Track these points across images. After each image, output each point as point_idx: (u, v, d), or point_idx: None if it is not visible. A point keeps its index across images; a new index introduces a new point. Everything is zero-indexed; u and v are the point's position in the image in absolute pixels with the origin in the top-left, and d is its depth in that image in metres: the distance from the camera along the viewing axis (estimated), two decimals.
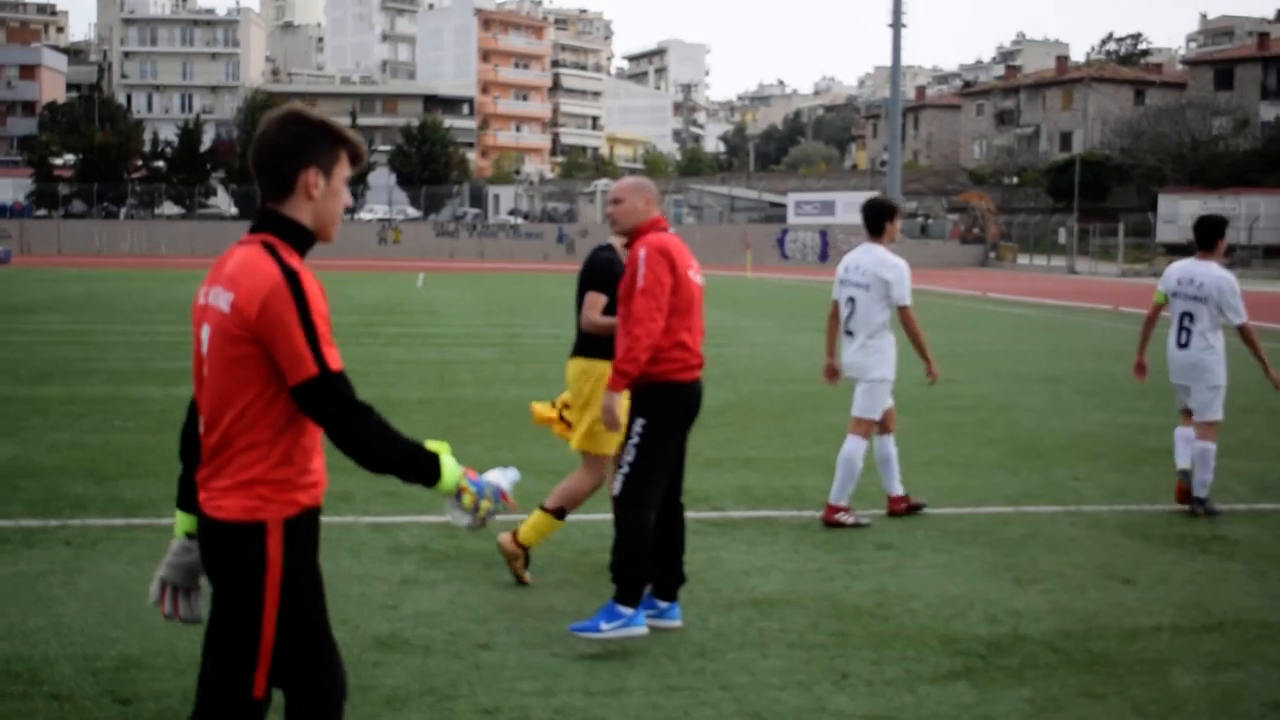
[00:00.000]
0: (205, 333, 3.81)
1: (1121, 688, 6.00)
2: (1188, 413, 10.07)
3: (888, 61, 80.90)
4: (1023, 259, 78.66)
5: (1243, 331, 9.85)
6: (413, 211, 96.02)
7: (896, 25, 76.97)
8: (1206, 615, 7.15)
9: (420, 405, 15.05)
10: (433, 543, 8.45)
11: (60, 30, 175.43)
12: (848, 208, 74.37)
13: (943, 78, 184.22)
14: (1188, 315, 10.03)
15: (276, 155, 3.82)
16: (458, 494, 3.96)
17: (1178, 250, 73.61)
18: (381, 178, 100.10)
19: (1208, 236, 10.19)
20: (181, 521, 4.10)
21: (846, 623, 6.91)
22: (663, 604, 6.92)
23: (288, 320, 3.62)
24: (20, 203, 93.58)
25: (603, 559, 8.05)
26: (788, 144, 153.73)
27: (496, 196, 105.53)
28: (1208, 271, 10.03)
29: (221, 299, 3.72)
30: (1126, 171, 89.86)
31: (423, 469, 3.95)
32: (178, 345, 22.11)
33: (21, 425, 13.14)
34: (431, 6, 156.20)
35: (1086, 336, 27.96)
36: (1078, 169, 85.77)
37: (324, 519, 8.80)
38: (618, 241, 7.35)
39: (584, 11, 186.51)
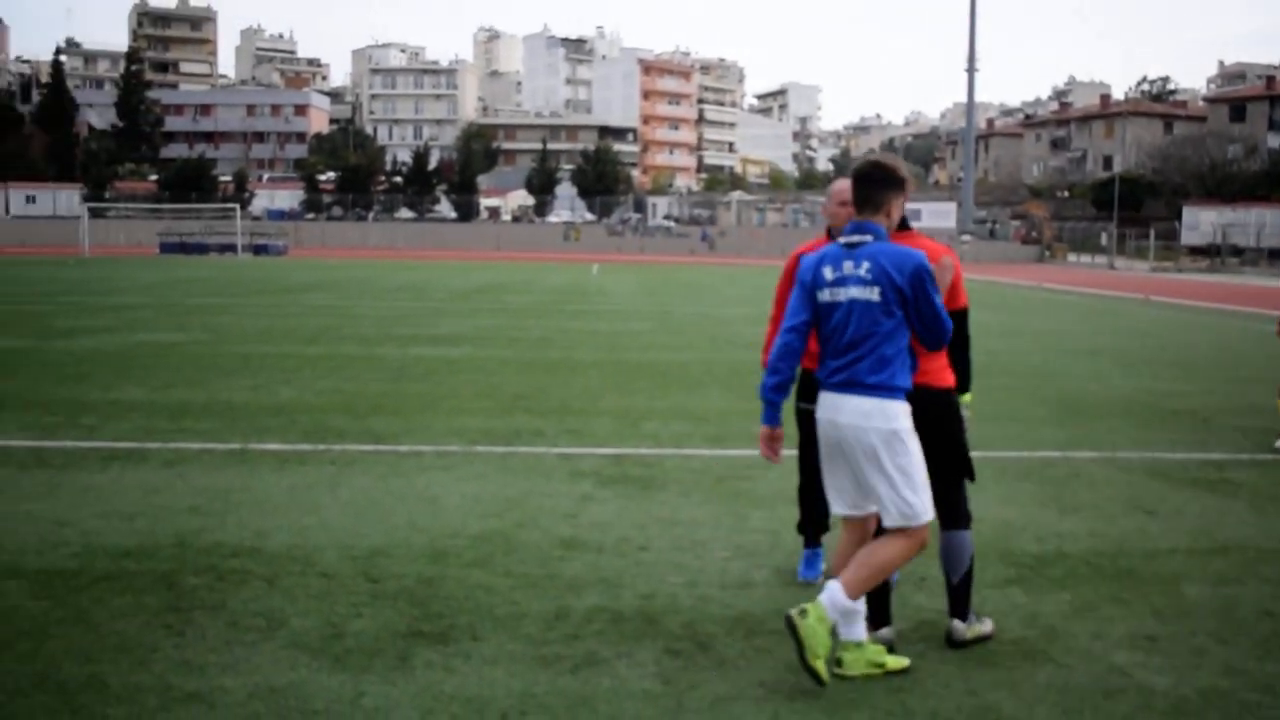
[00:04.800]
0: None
1: (1143, 595, 5.89)
2: None
3: (964, 98, 79.41)
4: (1071, 257, 77.13)
5: None
6: (589, 216, 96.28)
7: (971, 70, 75.92)
8: (1213, 541, 6.97)
9: (594, 365, 15.13)
10: (604, 470, 8.52)
11: (324, 78, 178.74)
12: (930, 214, 74.86)
13: (1008, 111, 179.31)
14: None
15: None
16: None
17: (1199, 251, 71.80)
18: (565, 189, 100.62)
19: None
20: None
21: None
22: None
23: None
24: (295, 209, 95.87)
25: (737, 485, 8.07)
26: None
27: (654, 204, 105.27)
28: None
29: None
30: (1157, 188, 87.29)
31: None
32: (411, 316, 22.50)
33: (297, 375, 13.48)
34: (605, 57, 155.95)
35: (1122, 319, 27.19)
36: (1117, 185, 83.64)
37: (522, 449, 8.99)
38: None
39: (722, 59, 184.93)
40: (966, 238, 73.42)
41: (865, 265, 4.64)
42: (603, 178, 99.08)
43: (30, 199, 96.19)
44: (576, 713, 4.30)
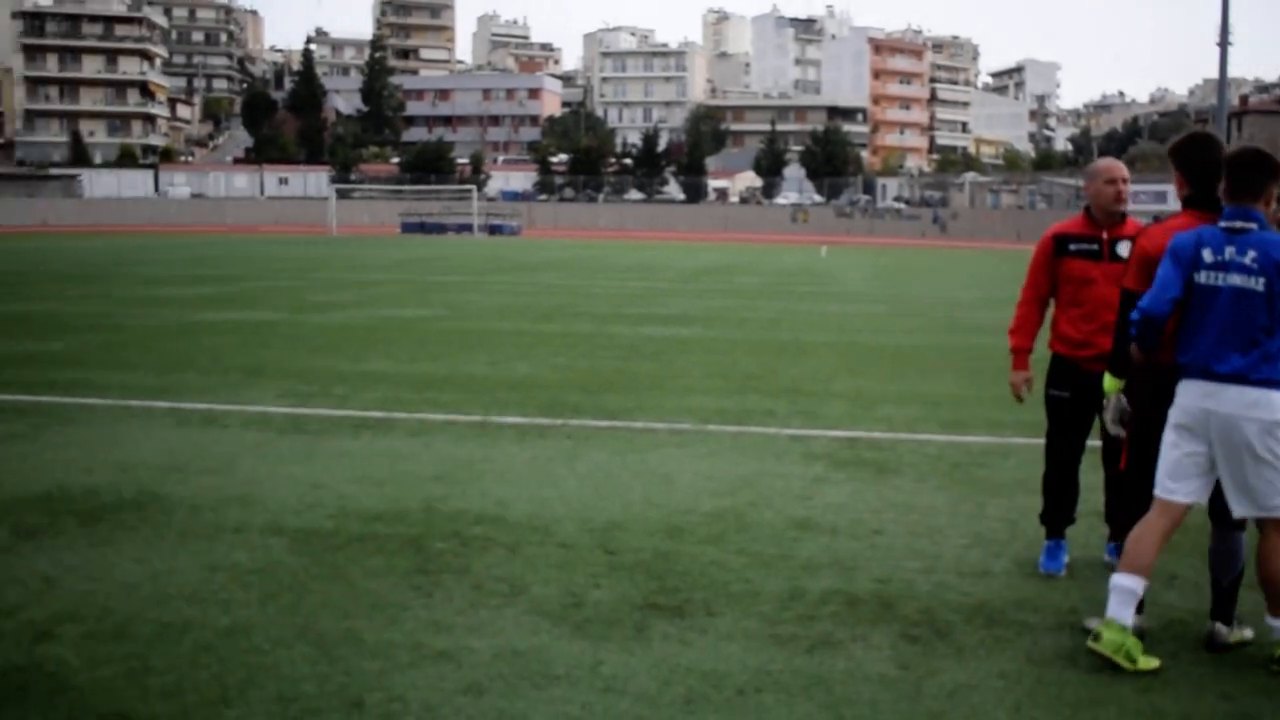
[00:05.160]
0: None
1: None
2: None
3: (1215, 74, 75.19)
4: None
5: None
6: (817, 198, 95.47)
7: (1223, 43, 71.20)
8: None
9: (825, 347, 15.01)
10: (836, 452, 8.45)
11: (556, 62, 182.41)
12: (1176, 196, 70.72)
13: (1264, 87, 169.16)
14: None
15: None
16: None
17: None
18: (794, 171, 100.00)
19: None
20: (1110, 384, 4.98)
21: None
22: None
23: None
24: (528, 190, 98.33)
25: (974, 472, 7.88)
26: (1126, 145, 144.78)
27: (884, 186, 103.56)
28: None
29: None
30: None
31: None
32: (641, 296, 22.78)
33: (533, 351, 13.82)
34: (834, 37, 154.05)
35: None
36: None
37: (754, 429, 9.00)
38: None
39: (955, 37, 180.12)
40: None
41: (1251, 254, 4.52)
42: (831, 159, 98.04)
43: (283, 181, 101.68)
44: (812, 692, 4.28)
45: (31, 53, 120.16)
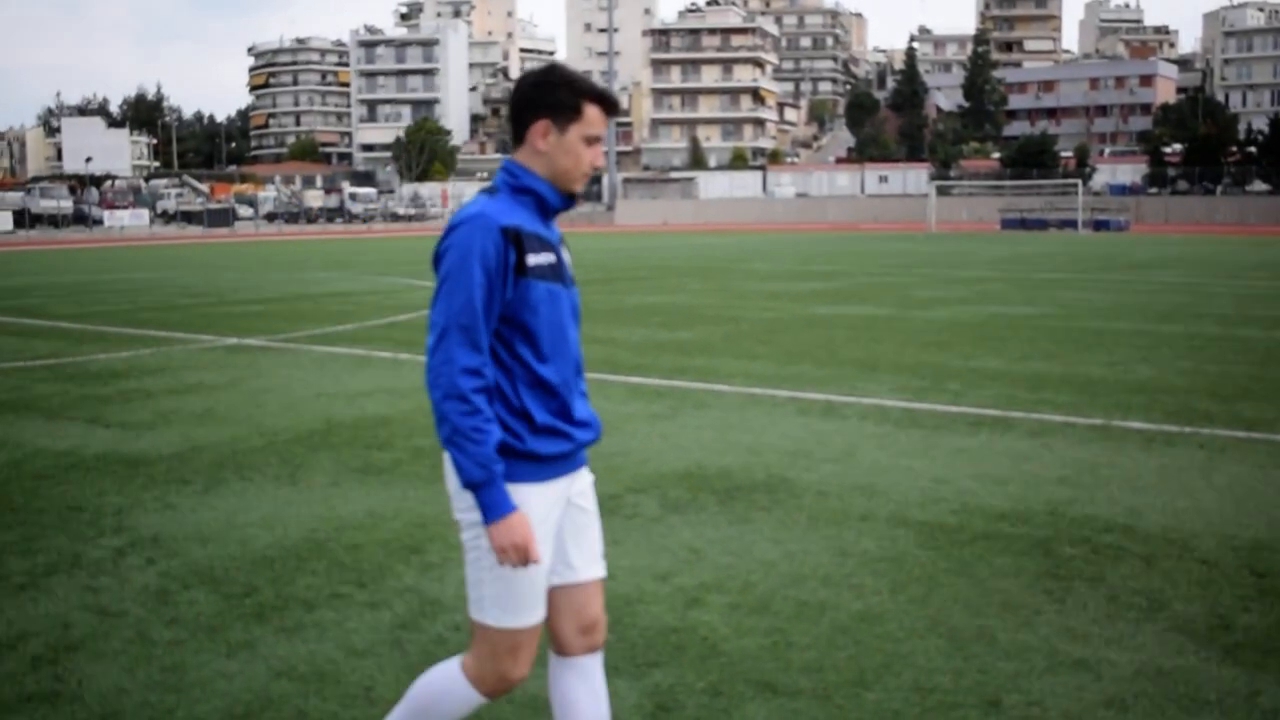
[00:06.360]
0: None
1: None
2: None
3: None
4: None
5: None
6: None
7: None
8: None
9: None
10: None
11: (1172, 45, 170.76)
12: None
13: None
14: None
15: None
16: None
17: None
18: None
19: None
20: None
21: None
22: None
23: None
24: (1137, 183, 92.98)
25: None
26: None
27: None
28: None
29: None
30: None
31: None
32: (1271, 297, 20.81)
33: (1153, 353, 13.04)
34: None
35: None
36: None
37: None
38: None
39: None
40: None
41: None
42: None
43: (883, 179, 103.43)
44: None
45: (658, 66, 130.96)
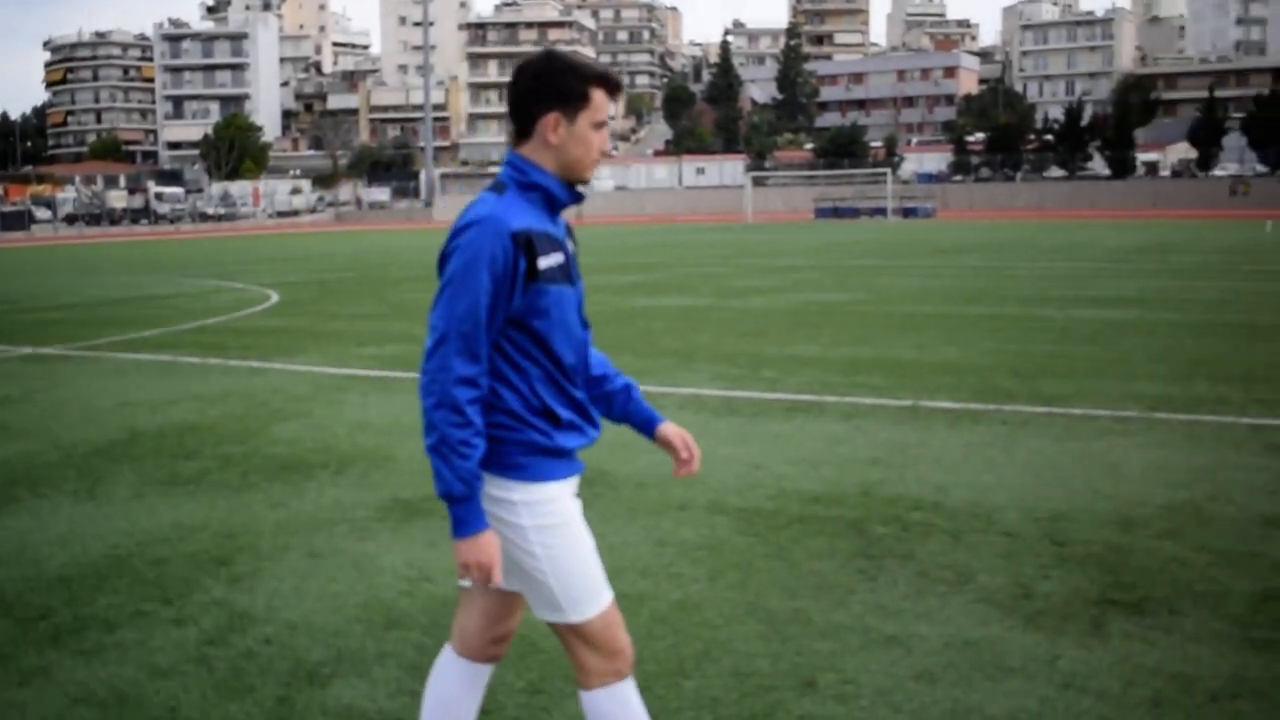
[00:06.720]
0: None
1: None
2: None
3: None
4: None
5: None
6: (1260, 168, 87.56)
7: None
8: None
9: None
10: None
11: (973, 38, 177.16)
12: None
13: None
14: None
15: None
16: None
17: None
18: (1234, 140, 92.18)
19: None
20: None
21: None
22: None
23: None
24: (943, 171, 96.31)
25: None
26: None
27: None
28: None
29: None
30: None
31: None
32: (1068, 277, 21.76)
33: (959, 335, 13.49)
34: None
35: None
36: None
37: (1206, 417, 8.38)
38: None
39: None
40: None
41: None
42: (1277, 126, 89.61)
43: (700, 171, 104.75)
44: None
45: (475, 60, 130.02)
